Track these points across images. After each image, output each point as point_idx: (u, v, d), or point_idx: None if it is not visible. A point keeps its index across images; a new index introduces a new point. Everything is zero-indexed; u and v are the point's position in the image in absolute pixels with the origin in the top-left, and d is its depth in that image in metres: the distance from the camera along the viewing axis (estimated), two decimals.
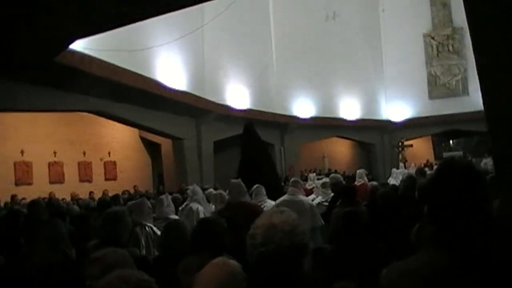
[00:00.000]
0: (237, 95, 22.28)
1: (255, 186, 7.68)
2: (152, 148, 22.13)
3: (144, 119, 17.46)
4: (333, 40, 27.14)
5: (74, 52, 12.25)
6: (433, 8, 29.94)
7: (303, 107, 26.79)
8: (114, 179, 19.96)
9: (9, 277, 4.11)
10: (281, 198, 7.60)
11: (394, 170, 17.02)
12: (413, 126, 29.31)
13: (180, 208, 8.41)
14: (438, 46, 29.79)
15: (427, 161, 28.28)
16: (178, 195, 11.14)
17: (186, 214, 7.92)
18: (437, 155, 31.40)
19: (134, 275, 2.27)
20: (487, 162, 25.45)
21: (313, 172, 24.91)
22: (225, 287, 2.78)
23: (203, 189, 10.20)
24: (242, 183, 6.66)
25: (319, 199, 8.86)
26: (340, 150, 31.84)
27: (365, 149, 31.80)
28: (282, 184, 13.48)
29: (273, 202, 7.50)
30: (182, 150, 19.61)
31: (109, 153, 20.03)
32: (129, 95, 15.49)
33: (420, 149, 30.47)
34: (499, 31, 2.79)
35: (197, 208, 7.93)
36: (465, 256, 1.75)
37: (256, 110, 22.85)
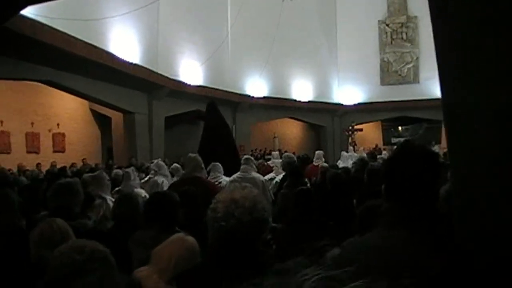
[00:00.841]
0: (191, 71, 22.08)
1: (213, 163, 7.81)
2: (102, 121, 21.78)
3: (96, 92, 17.11)
4: (289, 21, 27.09)
5: (25, 19, 11.87)
6: None
7: (256, 87, 26.78)
8: (63, 151, 19.56)
9: None
10: (234, 175, 7.71)
11: (343, 153, 17.23)
12: (363, 110, 29.71)
13: (142, 181, 8.41)
14: (392, 34, 30.16)
15: (376, 145, 28.79)
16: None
17: (151, 186, 7.92)
18: (385, 141, 32.07)
19: (88, 245, 2.25)
20: (434, 149, 26.12)
21: (262, 152, 25.17)
22: (184, 262, 2.80)
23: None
24: (199, 158, 6.66)
25: (278, 178, 8.93)
26: (291, 131, 32.07)
27: (316, 131, 32.12)
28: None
29: (227, 179, 7.64)
30: (133, 124, 19.36)
31: (58, 124, 19.56)
32: (82, 66, 15.12)
33: (369, 134, 30.96)
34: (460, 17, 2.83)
35: (162, 182, 7.96)
36: (422, 231, 1.83)
37: (209, 87, 22.73)
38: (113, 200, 5.85)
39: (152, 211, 3.69)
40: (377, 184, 7.08)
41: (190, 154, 6.81)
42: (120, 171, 9.70)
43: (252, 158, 8.60)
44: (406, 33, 29.85)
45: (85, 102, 20.25)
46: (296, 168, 7.48)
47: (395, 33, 30.06)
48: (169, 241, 2.96)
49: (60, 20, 13.20)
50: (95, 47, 15.25)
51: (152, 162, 10.74)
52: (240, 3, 24.87)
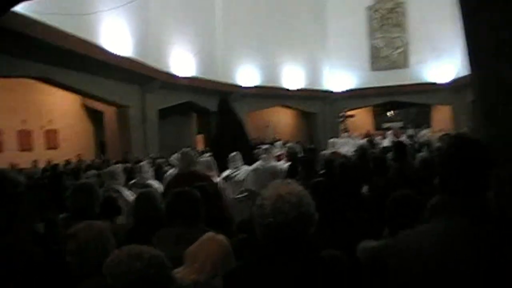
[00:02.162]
0: (182, 63, 21.99)
1: (232, 154, 8.30)
2: (95, 116, 21.67)
3: (89, 86, 16.93)
4: (279, 9, 27.09)
5: (17, 15, 11.74)
6: None
7: (248, 76, 26.72)
8: (56, 148, 19.45)
9: None
10: (256, 164, 8.26)
11: (335, 140, 16.90)
12: (355, 96, 29.72)
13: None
14: (381, 19, 30.14)
15: (368, 131, 28.88)
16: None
17: None
18: (377, 126, 32.19)
19: (146, 251, 2.25)
20: (425, 133, 26.35)
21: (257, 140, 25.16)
22: (220, 261, 2.82)
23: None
24: (192, 152, 6.77)
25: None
26: (284, 119, 32.07)
27: (308, 118, 32.11)
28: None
29: (248, 167, 8.18)
30: (126, 118, 19.23)
31: (50, 121, 19.44)
32: (74, 61, 14.98)
33: (361, 120, 31.03)
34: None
35: None
36: (480, 220, 1.88)
37: (200, 78, 22.67)
38: (128, 193, 5.91)
39: (175, 208, 3.67)
40: (382, 172, 7.12)
41: (184, 149, 6.93)
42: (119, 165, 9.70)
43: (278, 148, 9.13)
44: (395, 18, 29.82)
45: (77, 98, 20.14)
46: (308, 159, 7.50)
47: (384, 18, 30.03)
48: (202, 241, 2.97)
49: (51, 15, 13.05)
50: (87, 41, 15.11)
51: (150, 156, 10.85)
52: None
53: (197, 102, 23.57)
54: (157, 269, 2.22)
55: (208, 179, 6.38)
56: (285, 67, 28.65)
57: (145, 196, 4.29)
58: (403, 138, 23.24)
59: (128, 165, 10.30)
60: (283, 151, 13.52)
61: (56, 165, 14.11)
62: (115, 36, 17.45)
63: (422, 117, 30.92)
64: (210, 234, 3.06)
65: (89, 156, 19.37)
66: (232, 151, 8.47)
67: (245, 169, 8.07)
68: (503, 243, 1.80)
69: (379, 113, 33.12)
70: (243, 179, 7.88)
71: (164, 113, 21.37)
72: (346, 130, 26.31)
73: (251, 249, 2.73)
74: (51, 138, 19.55)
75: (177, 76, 21.25)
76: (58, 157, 17.40)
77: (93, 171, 7.94)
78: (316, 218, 2.22)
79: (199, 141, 26.38)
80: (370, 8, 30.32)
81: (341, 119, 27.93)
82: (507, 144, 2.60)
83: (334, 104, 30.29)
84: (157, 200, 4.23)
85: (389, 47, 29.93)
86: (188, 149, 6.90)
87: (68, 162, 16.23)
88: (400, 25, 29.80)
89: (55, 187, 7.74)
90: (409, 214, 3.15)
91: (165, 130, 21.87)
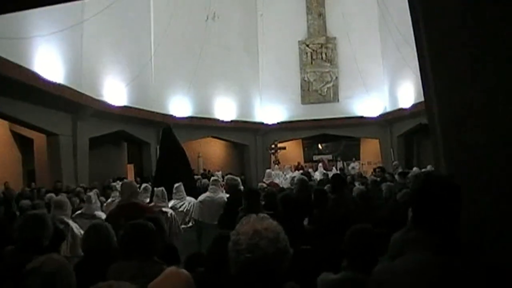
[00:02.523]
0: (115, 92, 21.68)
1: (176, 184, 8.37)
2: (23, 143, 20.89)
3: (19, 112, 16.37)
4: (212, 41, 27.27)
5: None
6: (309, 17, 30.91)
7: (181, 107, 26.62)
8: None
9: None
10: (204, 195, 8.31)
11: (268, 171, 17.13)
12: (285, 129, 30.19)
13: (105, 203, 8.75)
14: (312, 54, 30.85)
15: (298, 163, 29.34)
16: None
17: None
18: (306, 158, 32.71)
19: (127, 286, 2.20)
20: (354, 166, 27.03)
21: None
22: None
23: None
24: (134, 184, 6.72)
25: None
26: (214, 150, 32.06)
27: (239, 149, 32.27)
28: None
29: (192, 199, 8.32)
30: (57, 146, 18.64)
31: None
32: (4, 85, 14.46)
33: (291, 152, 31.43)
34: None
35: None
36: (451, 255, 2.00)
37: (133, 108, 22.42)
38: (75, 224, 5.78)
39: (131, 241, 3.61)
40: (322, 204, 7.26)
41: (126, 180, 7.03)
42: (53, 195, 9.43)
43: (220, 179, 9.25)
44: (326, 54, 30.61)
45: (5, 123, 19.42)
46: (252, 191, 7.49)
47: (315, 53, 30.76)
48: (166, 275, 2.94)
49: None
50: (19, 65, 14.70)
51: (81, 186, 10.66)
52: (164, 23, 24.78)
53: (129, 132, 23.27)
54: None
55: (150, 210, 6.33)
56: (218, 98, 28.77)
57: (97, 228, 4.19)
58: (333, 170, 23.85)
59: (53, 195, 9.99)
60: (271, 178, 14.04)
61: None
62: (48, 62, 17.04)
63: (350, 150, 31.71)
64: (173, 269, 3.04)
65: (16, 184, 18.57)
66: (175, 181, 8.45)
67: (189, 200, 8.14)
68: (475, 277, 1.90)
69: (308, 146, 33.67)
70: (189, 210, 7.92)
71: (95, 142, 20.90)
72: (277, 161, 26.61)
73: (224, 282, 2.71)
74: None
75: (110, 105, 20.92)
76: None
77: (27, 201, 7.67)
78: (291, 253, 2.25)
79: (130, 170, 25.95)
80: (302, 42, 31.00)
81: (273, 151, 28.20)
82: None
83: (265, 136, 30.62)
84: (110, 232, 4.15)
85: (319, 81, 30.63)
86: (131, 180, 6.90)
87: None
88: (330, 60, 30.60)
89: None
90: (369, 246, 3.26)
91: (95, 159, 21.36)
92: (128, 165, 26.03)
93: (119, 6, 19.96)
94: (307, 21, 30.99)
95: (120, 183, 8.81)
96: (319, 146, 33.73)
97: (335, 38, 30.40)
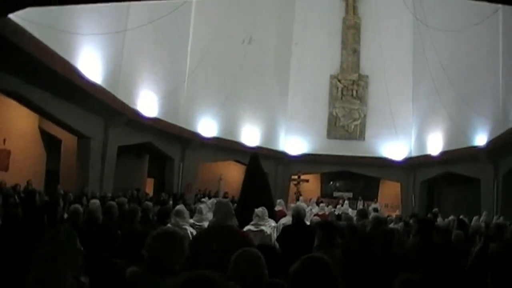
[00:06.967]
0: (147, 103, 21.50)
1: (260, 208, 8.48)
2: (51, 143, 20.56)
3: (53, 108, 16.13)
4: (246, 65, 27.06)
5: (8, 20, 11.09)
6: (343, 52, 30.82)
7: (208, 126, 26.37)
8: (6, 169, 18.08)
9: None
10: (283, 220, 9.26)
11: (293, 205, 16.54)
12: (307, 161, 29.87)
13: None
14: (343, 89, 30.69)
15: (318, 197, 28.90)
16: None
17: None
18: (324, 193, 32.23)
19: None
20: (376, 207, 26.60)
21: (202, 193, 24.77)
22: None
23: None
24: (230, 204, 6.16)
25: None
26: (233, 174, 31.61)
27: None
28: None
29: (273, 223, 8.82)
30: (87, 149, 18.40)
31: (4, 140, 18.10)
32: (42, 75, 14.15)
33: (309, 185, 31.03)
34: None
35: None
36: None
37: (164, 121, 22.27)
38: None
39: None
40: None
41: (221, 200, 6.62)
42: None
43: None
44: (357, 91, 30.47)
45: (35, 119, 19.15)
46: (331, 224, 7.16)
47: (345, 89, 30.63)
48: None
49: (35, 25, 12.35)
50: (67, 61, 14.54)
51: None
52: (201, 42, 24.75)
53: (156, 144, 23.02)
54: None
55: (246, 236, 5.85)
56: (244, 122, 28.58)
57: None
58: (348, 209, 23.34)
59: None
60: (281, 207, 15.07)
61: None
62: (89, 62, 16.87)
63: (369, 190, 31.30)
64: None
65: (37, 183, 18.09)
66: (256, 206, 8.59)
67: (270, 223, 8.48)
68: None
69: (326, 181, 33.29)
70: (270, 233, 7.82)
71: (119, 150, 20.57)
72: (299, 194, 26.27)
73: None
74: (3, 159, 18.16)
75: (142, 115, 20.73)
76: (8, 180, 16.23)
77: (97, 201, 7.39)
78: None
79: (149, 184, 25.59)
80: (334, 77, 30.89)
81: (295, 182, 27.86)
82: None
83: (286, 166, 30.35)
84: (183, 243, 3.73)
85: (347, 118, 30.43)
86: (227, 200, 6.61)
87: (16, 186, 15.37)
88: (360, 98, 30.45)
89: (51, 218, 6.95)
90: None
91: (118, 168, 21.01)
92: (148, 179, 25.64)
93: (163, 22, 19.99)
94: (341, 56, 30.92)
95: (209, 200, 8.82)
96: (336, 183, 33.28)
97: (367, 76, 30.32)
